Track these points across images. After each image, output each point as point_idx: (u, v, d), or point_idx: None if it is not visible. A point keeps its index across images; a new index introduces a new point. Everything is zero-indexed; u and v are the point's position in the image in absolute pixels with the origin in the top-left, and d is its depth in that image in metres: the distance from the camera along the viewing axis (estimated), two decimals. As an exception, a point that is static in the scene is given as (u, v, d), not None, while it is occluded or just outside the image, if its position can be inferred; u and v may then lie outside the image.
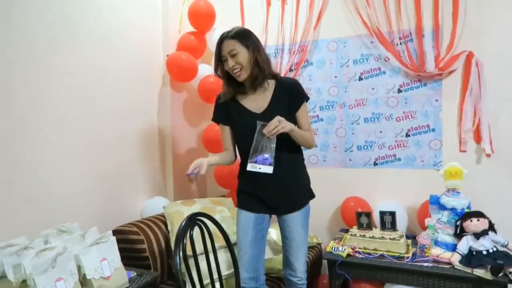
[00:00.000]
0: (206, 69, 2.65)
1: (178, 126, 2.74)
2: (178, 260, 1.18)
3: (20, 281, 1.28)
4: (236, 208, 2.23)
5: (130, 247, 1.86)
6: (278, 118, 1.53)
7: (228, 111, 1.74)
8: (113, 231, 1.94)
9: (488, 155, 2.30)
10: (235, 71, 1.62)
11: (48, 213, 1.79)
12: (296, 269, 1.76)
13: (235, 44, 1.60)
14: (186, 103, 2.83)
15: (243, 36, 1.63)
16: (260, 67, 1.63)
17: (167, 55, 2.58)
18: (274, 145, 1.53)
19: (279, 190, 1.71)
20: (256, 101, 1.70)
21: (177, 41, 2.67)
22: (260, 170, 1.51)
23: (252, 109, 1.69)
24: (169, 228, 2.04)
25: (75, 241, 1.46)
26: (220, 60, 1.66)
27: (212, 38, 2.66)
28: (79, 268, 1.32)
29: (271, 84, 1.71)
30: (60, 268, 1.24)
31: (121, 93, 2.28)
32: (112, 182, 2.21)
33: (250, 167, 1.53)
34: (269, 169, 1.51)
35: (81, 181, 2.00)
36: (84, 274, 1.31)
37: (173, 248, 1.89)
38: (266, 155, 1.52)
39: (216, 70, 1.71)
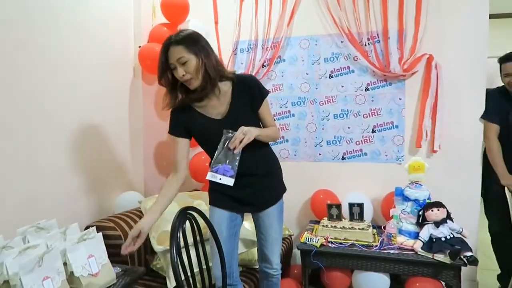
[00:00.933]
0: (179, 61, 2.61)
1: (150, 119, 2.68)
2: (174, 252, 1.18)
3: (1, 282, 1.21)
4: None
5: (107, 243, 1.79)
6: (242, 129, 1.47)
7: (186, 122, 1.63)
8: (88, 226, 1.89)
9: (434, 151, 2.50)
10: (186, 80, 1.51)
11: (13, 209, 1.69)
12: (272, 262, 1.79)
13: (183, 51, 1.47)
14: (157, 96, 2.78)
15: (191, 41, 1.49)
16: (209, 75, 1.52)
17: (139, 47, 2.51)
18: (239, 157, 1.47)
19: (253, 189, 1.68)
20: (216, 107, 1.61)
21: (149, 32, 2.61)
22: (220, 181, 1.45)
23: (214, 116, 1.61)
24: (147, 223, 2.00)
25: (56, 238, 1.40)
26: (167, 67, 1.51)
27: (186, 31, 2.63)
28: (65, 265, 1.28)
29: (226, 86, 1.62)
30: (47, 266, 1.19)
31: (91, 84, 2.18)
32: (82, 177, 2.13)
33: (210, 176, 1.46)
34: (229, 181, 1.45)
35: (49, 176, 1.90)
36: (72, 272, 1.28)
37: (153, 243, 1.90)
38: (229, 166, 1.45)
39: (160, 79, 1.55)
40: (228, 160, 1.46)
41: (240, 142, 1.45)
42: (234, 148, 1.45)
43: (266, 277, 1.85)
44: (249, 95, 1.62)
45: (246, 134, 1.46)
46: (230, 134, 1.47)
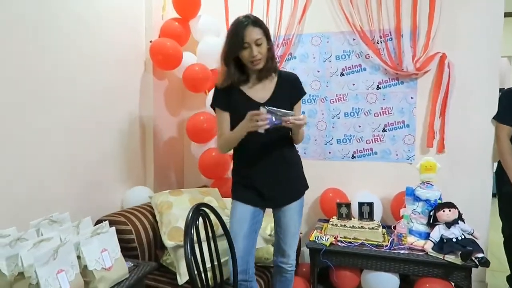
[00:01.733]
0: (190, 57, 2.60)
1: (159, 114, 2.68)
2: (188, 248, 1.18)
3: (16, 274, 1.21)
4: (225, 198, 2.27)
5: (118, 237, 1.80)
6: (306, 118, 1.61)
7: (229, 98, 1.70)
8: (99, 220, 1.89)
9: (445, 151, 2.49)
10: (256, 60, 1.61)
11: (24, 201, 1.69)
12: (289, 256, 1.82)
13: (260, 32, 1.59)
14: (167, 92, 2.77)
15: (264, 25, 1.63)
16: (274, 58, 1.70)
17: (150, 41, 2.50)
18: (275, 124, 1.54)
19: (279, 183, 1.72)
20: (260, 91, 1.71)
21: (160, 27, 2.59)
22: (261, 119, 1.49)
23: (256, 99, 1.69)
24: (157, 218, 2.01)
25: (69, 232, 1.41)
26: (240, 45, 1.59)
27: (197, 26, 2.62)
28: (78, 259, 1.28)
29: (273, 75, 1.74)
30: (61, 259, 1.19)
31: (102, 78, 2.17)
32: (92, 171, 2.12)
33: (262, 108, 1.51)
34: (262, 130, 1.51)
35: (60, 169, 1.90)
36: (85, 266, 1.28)
37: (164, 238, 1.90)
38: (273, 121, 1.52)
39: (229, 55, 1.63)
40: (274, 119, 1.52)
41: (294, 122, 1.52)
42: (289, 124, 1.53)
43: (280, 272, 1.87)
44: (291, 89, 1.75)
45: (305, 123, 1.60)
46: (291, 113, 1.55)
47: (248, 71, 1.70)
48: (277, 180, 1.72)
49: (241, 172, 1.76)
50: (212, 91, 2.56)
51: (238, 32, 1.58)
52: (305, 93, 1.84)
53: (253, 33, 1.58)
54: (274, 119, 1.52)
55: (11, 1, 1.61)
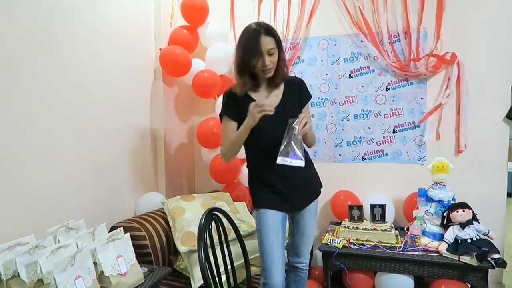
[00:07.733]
0: (199, 64, 2.63)
1: (170, 121, 2.71)
2: (202, 253, 1.19)
3: (35, 281, 1.24)
4: (236, 203, 2.28)
5: (132, 243, 1.83)
6: (304, 115, 1.53)
7: (239, 107, 1.64)
8: (113, 227, 1.92)
9: (460, 151, 2.47)
10: (267, 69, 1.59)
11: (41, 209, 1.73)
12: (304, 256, 1.85)
13: (273, 42, 1.56)
14: (177, 98, 2.80)
15: (277, 35, 1.61)
16: (285, 67, 1.69)
17: (160, 49, 2.54)
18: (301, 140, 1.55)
19: (299, 186, 1.70)
20: (269, 97, 1.68)
21: (169, 35, 2.63)
22: (291, 164, 1.48)
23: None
24: (170, 224, 2.03)
25: (85, 238, 1.43)
26: (253, 55, 1.55)
27: (205, 33, 2.65)
28: (95, 265, 1.30)
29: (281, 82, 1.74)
30: (79, 266, 1.22)
31: (113, 87, 2.22)
32: (105, 178, 2.16)
33: (280, 160, 1.48)
34: (301, 163, 1.48)
35: (74, 177, 1.93)
36: (101, 272, 1.30)
37: (177, 243, 1.92)
38: (298, 151, 1.49)
39: (243, 64, 1.60)
40: (297, 145, 1.49)
41: (304, 125, 1.49)
42: (300, 132, 1.50)
43: (295, 271, 1.89)
44: (299, 93, 1.75)
45: (308, 121, 1.53)
46: (295, 123, 1.51)
47: (260, 79, 1.67)
48: (297, 183, 1.69)
49: (261, 179, 1.70)
50: (221, 98, 2.60)
51: (252, 41, 1.55)
52: (311, 96, 1.81)
53: (267, 44, 1.54)
54: (296, 150, 1.49)
55: (24, 11, 1.65)
